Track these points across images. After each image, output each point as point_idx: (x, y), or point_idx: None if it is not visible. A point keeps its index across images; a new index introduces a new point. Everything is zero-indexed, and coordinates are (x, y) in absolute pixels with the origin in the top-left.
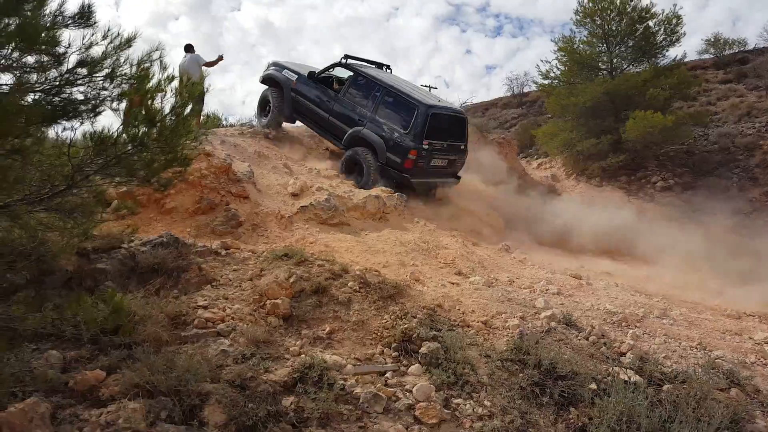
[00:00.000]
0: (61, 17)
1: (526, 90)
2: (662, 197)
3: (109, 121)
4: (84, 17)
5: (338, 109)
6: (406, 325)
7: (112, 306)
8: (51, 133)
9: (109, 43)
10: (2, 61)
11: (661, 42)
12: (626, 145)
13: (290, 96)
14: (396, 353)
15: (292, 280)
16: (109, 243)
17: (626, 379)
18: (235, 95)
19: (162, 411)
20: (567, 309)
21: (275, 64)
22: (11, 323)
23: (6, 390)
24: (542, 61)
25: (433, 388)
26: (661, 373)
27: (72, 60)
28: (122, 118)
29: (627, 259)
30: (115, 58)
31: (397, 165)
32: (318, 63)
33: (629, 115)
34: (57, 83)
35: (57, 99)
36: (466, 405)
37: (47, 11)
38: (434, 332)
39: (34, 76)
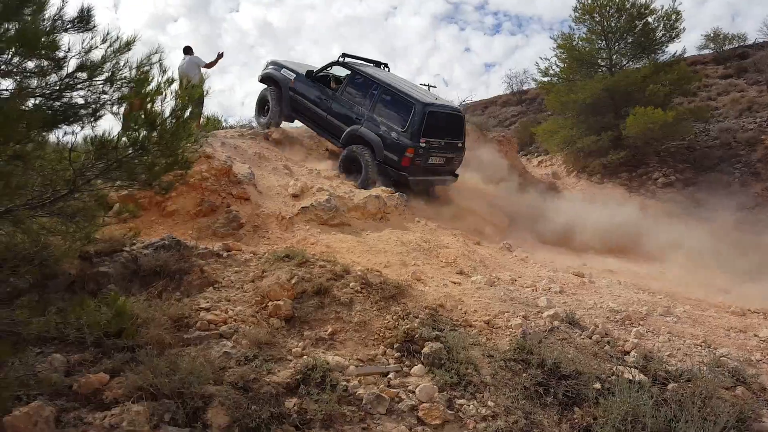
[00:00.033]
0: (60, 21)
1: (525, 87)
2: (663, 193)
3: (110, 125)
4: (83, 21)
5: (336, 108)
6: (408, 326)
7: (115, 309)
8: (52, 137)
9: (108, 47)
10: (3, 67)
11: (660, 38)
12: (627, 141)
13: (288, 95)
14: (398, 354)
15: (293, 281)
16: (111, 246)
17: (631, 378)
18: (234, 96)
19: (165, 413)
20: (570, 307)
21: (274, 63)
22: (15, 327)
23: (11, 394)
24: (541, 58)
25: (436, 389)
26: (666, 372)
27: (72, 64)
28: (121, 121)
29: (630, 257)
30: (114, 61)
31: (395, 163)
32: (317, 63)
33: (629, 112)
34: (57, 88)
35: (57, 104)
36: (469, 405)
37: (47, 15)
38: (436, 332)
39: (34, 81)
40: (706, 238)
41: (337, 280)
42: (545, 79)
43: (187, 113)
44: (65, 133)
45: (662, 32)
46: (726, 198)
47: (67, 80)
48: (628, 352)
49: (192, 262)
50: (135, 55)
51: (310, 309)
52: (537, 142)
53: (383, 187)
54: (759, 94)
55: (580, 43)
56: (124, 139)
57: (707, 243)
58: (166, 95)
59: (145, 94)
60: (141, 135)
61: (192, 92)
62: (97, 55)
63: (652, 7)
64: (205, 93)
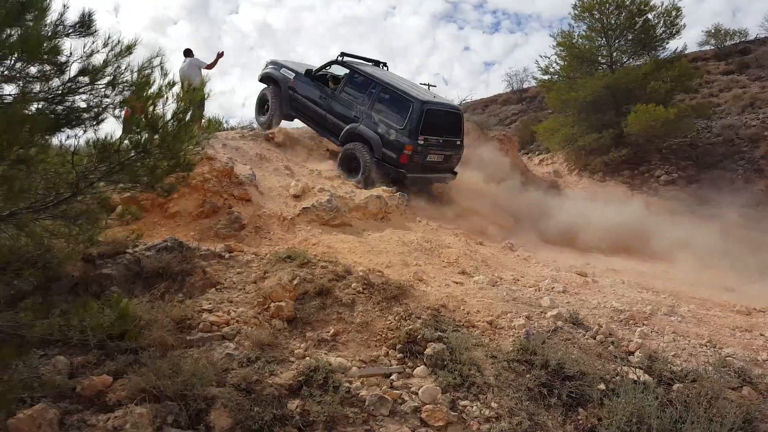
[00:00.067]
0: (62, 26)
1: (525, 86)
2: (666, 191)
3: (112, 128)
4: (84, 26)
5: (335, 107)
6: (410, 326)
7: (118, 311)
8: (55, 141)
9: (109, 51)
10: (5, 72)
11: (660, 34)
12: (628, 139)
13: (288, 94)
14: (401, 355)
15: (295, 282)
16: (114, 248)
17: (635, 378)
18: (234, 98)
19: (168, 415)
20: (573, 307)
21: (273, 62)
22: (19, 330)
23: (14, 396)
24: (541, 56)
25: (440, 390)
26: (671, 372)
27: (74, 69)
28: (122, 124)
29: (634, 255)
30: (116, 65)
31: (393, 160)
32: (317, 63)
33: (631, 109)
34: (60, 92)
35: (60, 108)
36: (472, 407)
37: (48, 21)
38: (439, 333)
39: (37, 86)
40: (711, 235)
41: (338, 280)
42: (545, 77)
43: (189, 116)
44: (68, 137)
45: (662, 29)
46: (730, 195)
47: (69, 84)
48: (632, 353)
49: (194, 264)
50: (136, 58)
51: (312, 310)
52: (538, 140)
53: (384, 187)
54: (761, 90)
55: (580, 40)
56: (126, 141)
57: (713, 241)
58: (167, 98)
59: (146, 97)
60: (143, 138)
61: (194, 95)
62: (98, 59)
63: (651, 3)
64: (206, 95)
